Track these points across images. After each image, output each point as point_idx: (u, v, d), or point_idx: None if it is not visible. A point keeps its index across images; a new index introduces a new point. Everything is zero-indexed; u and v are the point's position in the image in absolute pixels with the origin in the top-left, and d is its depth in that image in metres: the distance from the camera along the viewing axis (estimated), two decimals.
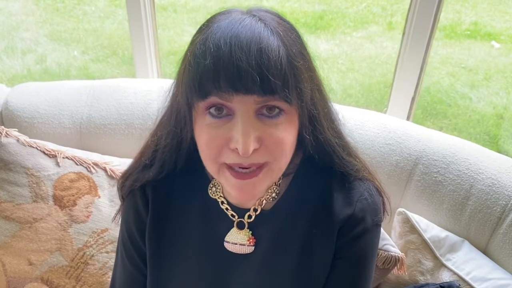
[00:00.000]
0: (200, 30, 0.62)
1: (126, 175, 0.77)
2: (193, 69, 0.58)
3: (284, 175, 0.72)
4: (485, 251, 1.01)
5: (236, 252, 0.72)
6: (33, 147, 1.11)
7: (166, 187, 0.74)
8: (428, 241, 1.01)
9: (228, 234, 0.72)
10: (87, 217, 1.09)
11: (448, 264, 0.98)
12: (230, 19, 0.60)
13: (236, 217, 0.72)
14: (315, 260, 0.71)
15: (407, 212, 1.05)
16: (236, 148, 0.59)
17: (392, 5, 3.06)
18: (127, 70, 2.80)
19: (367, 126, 1.10)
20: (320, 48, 2.77)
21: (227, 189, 0.70)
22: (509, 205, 0.96)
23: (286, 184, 0.73)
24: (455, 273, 0.97)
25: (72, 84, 1.28)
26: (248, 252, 0.72)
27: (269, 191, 0.71)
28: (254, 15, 0.60)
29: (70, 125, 1.22)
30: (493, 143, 2.29)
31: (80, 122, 1.22)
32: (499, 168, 1.00)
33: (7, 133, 1.10)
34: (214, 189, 0.73)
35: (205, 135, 0.62)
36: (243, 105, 0.58)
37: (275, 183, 0.72)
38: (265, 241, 0.72)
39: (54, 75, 2.83)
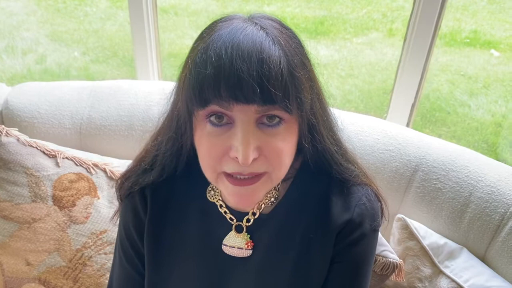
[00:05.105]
0: (202, 37, 0.62)
1: (125, 176, 0.77)
2: (194, 78, 0.58)
3: (283, 179, 0.71)
4: (483, 259, 1.01)
5: (233, 255, 0.72)
6: (33, 147, 1.11)
7: (166, 189, 0.75)
8: (427, 248, 1.01)
9: (226, 237, 0.72)
10: (86, 218, 1.09)
11: (447, 271, 0.98)
12: (231, 27, 0.59)
13: (235, 220, 0.72)
14: (312, 264, 0.71)
15: (406, 218, 1.05)
16: (236, 157, 0.59)
17: (393, 12, 3.07)
18: (127, 71, 2.80)
19: (367, 132, 1.10)
20: (320, 53, 2.77)
21: (226, 196, 0.70)
22: (508, 213, 0.96)
23: (285, 189, 0.73)
24: (453, 280, 0.97)
25: (73, 85, 1.28)
26: (246, 255, 0.72)
27: (268, 195, 0.72)
28: (256, 23, 0.60)
29: (70, 126, 1.22)
30: (492, 151, 2.30)
31: (80, 123, 1.22)
32: (498, 176, 1.00)
33: (7, 132, 1.10)
34: (212, 192, 0.74)
35: (206, 143, 0.62)
36: (243, 114, 0.59)
37: (274, 187, 0.72)
38: (263, 245, 0.72)
39: (54, 75, 2.82)
